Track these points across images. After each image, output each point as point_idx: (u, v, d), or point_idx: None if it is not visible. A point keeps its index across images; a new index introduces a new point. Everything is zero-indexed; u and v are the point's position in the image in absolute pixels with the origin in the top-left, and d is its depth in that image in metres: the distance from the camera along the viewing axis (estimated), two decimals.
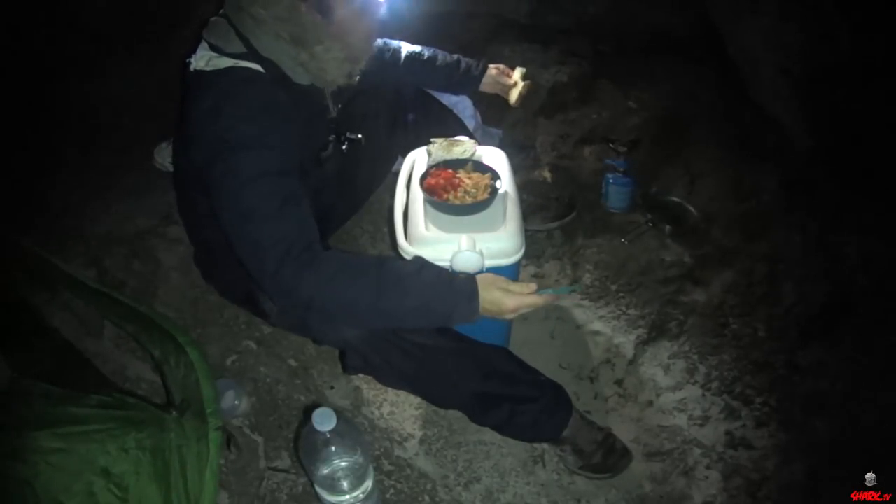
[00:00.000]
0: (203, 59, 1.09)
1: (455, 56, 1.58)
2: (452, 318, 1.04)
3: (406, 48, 1.53)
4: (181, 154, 1.30)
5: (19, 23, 1.99)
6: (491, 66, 1.61)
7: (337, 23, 1.08)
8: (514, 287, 1.05)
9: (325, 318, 1.11)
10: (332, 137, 1.28)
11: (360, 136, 1.32)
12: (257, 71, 1.09)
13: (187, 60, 1.13)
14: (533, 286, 1.07)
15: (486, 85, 1.61)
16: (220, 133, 1.05)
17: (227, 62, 1.08)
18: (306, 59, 1.11)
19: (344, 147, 1.31)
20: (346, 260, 1.05)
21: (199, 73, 1.10)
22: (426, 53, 1.54)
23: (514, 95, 1.60)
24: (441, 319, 1.05)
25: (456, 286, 1.04)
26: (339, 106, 1.26)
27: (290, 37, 1.08)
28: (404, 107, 1.53)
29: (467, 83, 1.59)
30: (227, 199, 1.05)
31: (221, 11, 1.13)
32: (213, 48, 1.09)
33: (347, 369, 1.27)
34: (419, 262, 1.08)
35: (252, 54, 1.08)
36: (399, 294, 1.02)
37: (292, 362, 1.44)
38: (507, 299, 1.03)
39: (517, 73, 1.60)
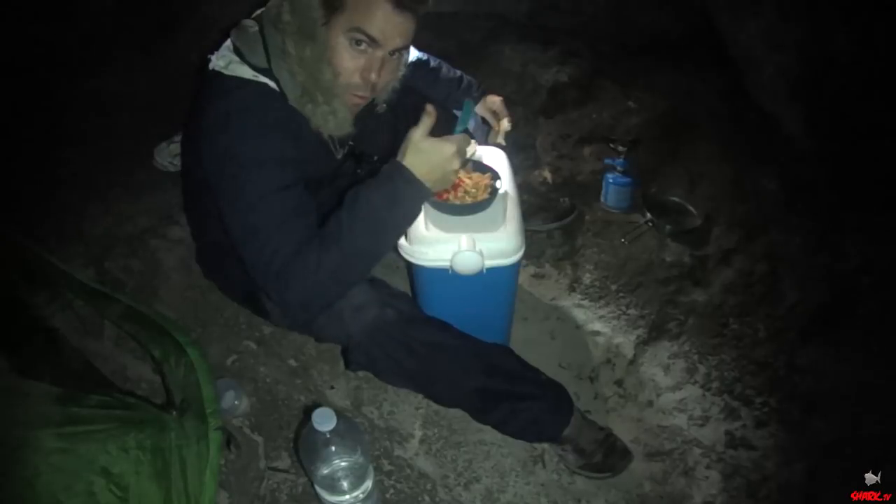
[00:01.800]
0: (224, 60, 1.08)
1: (458, 72, 1.56)
2: (412, 212, 1.05)
3: (412, 53, 1.52)
4: (189, 154, 1.30)
5: (20, 22, 1.99)
6: (493, 95, 1.59)
7: (331, 57, 1.05)
8: (437, 140, 1.03)
9: (329, 314, 1.11)
10: (348, 162, 1.27)
11: (376, 158, 1.31)
12: (274, 89, 1.07)
13: (209, 56, 1.11)
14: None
15: (479, 108, 1.60)
16: (228, 146, 1.04)
17: (246, 72, 1.06)
18: (309, 112, 1.08)
19: (360, 171, 1.31)
20: (304, 250, 1.03)
21: (217, 75, 1.08)
22: (431, 63, 1.53)
23: (494, 137, 1.58)
24: (405, 216, 1.05)
25: (386, 178, 1.02)
26: (345, 149, 1.24)
27: (303, 85, 1.06)
28: (405, 108, 1.53)
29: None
30: (232, 211, 1.06)
31: (256, 15, 1.11)
32: (236, 51, 1.07)
33: (350, 366, 1.27)
34: (349, 197, 1.05)
35: (272, 72, 1.07)
36: (356, 237, 1.01)
37: (292, 362, 1.44)
38: (441, 148, 1.02)
39: (505, 122, 1.57)
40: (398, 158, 1.04)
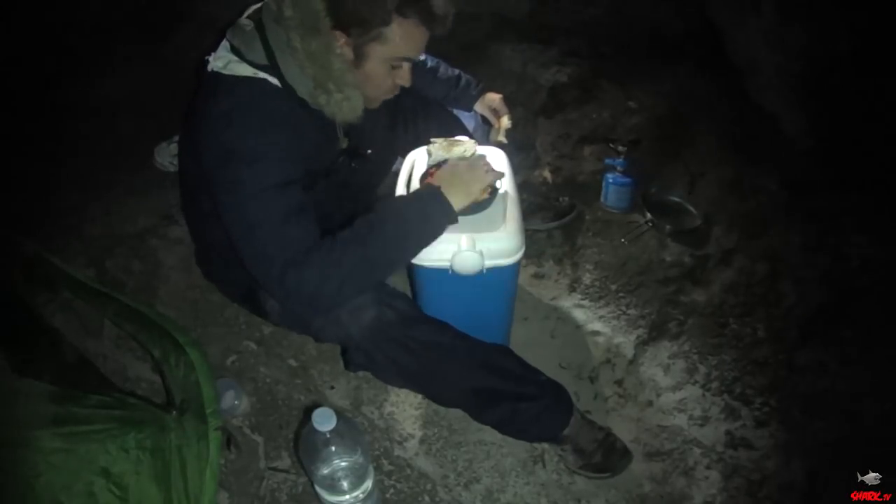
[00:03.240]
0: (222, 61, 1.08)
1: (456, 71, 1.57)
2: (437, 231, 1.11)
3: None
4: (188, 153, 1.30)
5: (20, 22, 1.99)
6: (492, 93, 1.59)
7: (364, 71, 1.09)
8: (473, 164, 1.18)
9: (331, 314, 1.11)
10: (342, 156, 1.27)
11: (369, 151, 1.32)
12: (275, 85, 1.08)
13: (206, 58, 1.11)
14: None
15: (478, 106, 1.60)
16: (229, 142, 1.04)
17: (246, 70, 1.07)
18: (323, 101, 1.09)
19: (353, 165, 1.31)
20: (326, 244, 1.06)
21: (216, 75, 1.08)
22: (429, 62, 1.53)
23: (495, 134, 1.58)
24: (430, 237, 1.12)
25: (425, 204, 1.11)
26: (349, 136, 1.26)
27: (314, 77, 1.07)
28: (403, 107, 1.53)
29: (463, 100, 1.57)
30: (232, 208, 1.06)
31: (250, 12, 1.12)
32: (234, 50, 1.08)
33: (349, 366, 1.27)
34: (382, 205, 1.14)
35: (273, 68, 1.07)
36: (381, 241, 1.07)
37: (292, 362, 1.44)
38: (473, 179, 1.14)
39: (505, 120, 1.57)
40: (437, 177, 1.15)
